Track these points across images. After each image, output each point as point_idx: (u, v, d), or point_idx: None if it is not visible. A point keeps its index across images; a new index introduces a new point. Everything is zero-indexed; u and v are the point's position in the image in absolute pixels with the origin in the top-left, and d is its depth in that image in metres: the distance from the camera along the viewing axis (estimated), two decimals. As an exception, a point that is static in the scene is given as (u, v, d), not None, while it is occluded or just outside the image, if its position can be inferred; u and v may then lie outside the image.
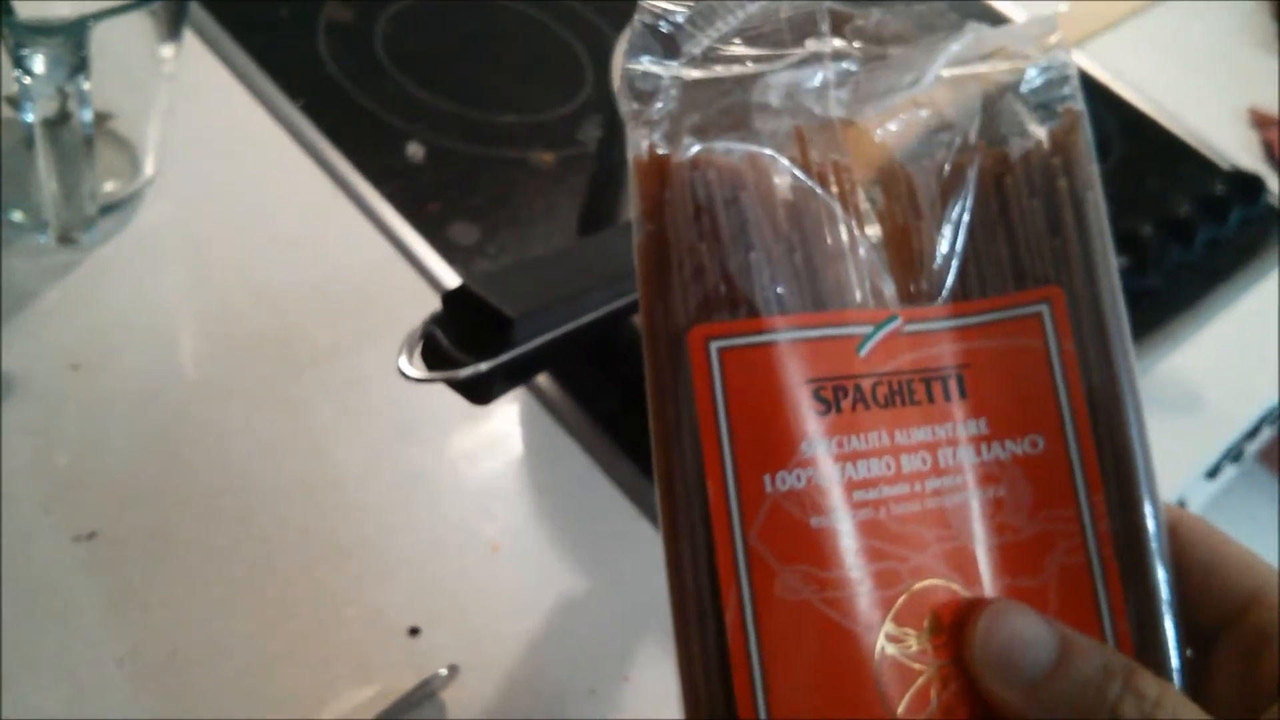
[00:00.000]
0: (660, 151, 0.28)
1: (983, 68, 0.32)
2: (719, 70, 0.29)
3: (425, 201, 0.68)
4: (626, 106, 0.28)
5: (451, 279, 0.64)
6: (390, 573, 0.51)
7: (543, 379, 0.60)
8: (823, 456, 0.27)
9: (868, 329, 0.29)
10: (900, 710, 0.27)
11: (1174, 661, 0.29)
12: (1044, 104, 0.32)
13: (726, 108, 0.29)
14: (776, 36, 0.30)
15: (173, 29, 0.58)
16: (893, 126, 0.31)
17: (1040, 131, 0.31)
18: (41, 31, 0.48)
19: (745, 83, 0.30)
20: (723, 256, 0.28)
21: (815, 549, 0.27)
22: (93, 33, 0.49)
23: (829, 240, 0.29)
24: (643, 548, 0.56)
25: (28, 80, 0.49)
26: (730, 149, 0.29)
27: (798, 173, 0.29)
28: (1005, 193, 0.31)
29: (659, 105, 0.29)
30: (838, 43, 0.31)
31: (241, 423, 0.54)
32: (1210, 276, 0.85)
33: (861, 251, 0.30)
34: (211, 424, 0.54)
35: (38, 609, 0.45)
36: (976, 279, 0.31)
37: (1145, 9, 1.07)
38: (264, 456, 0.53)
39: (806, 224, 0.29)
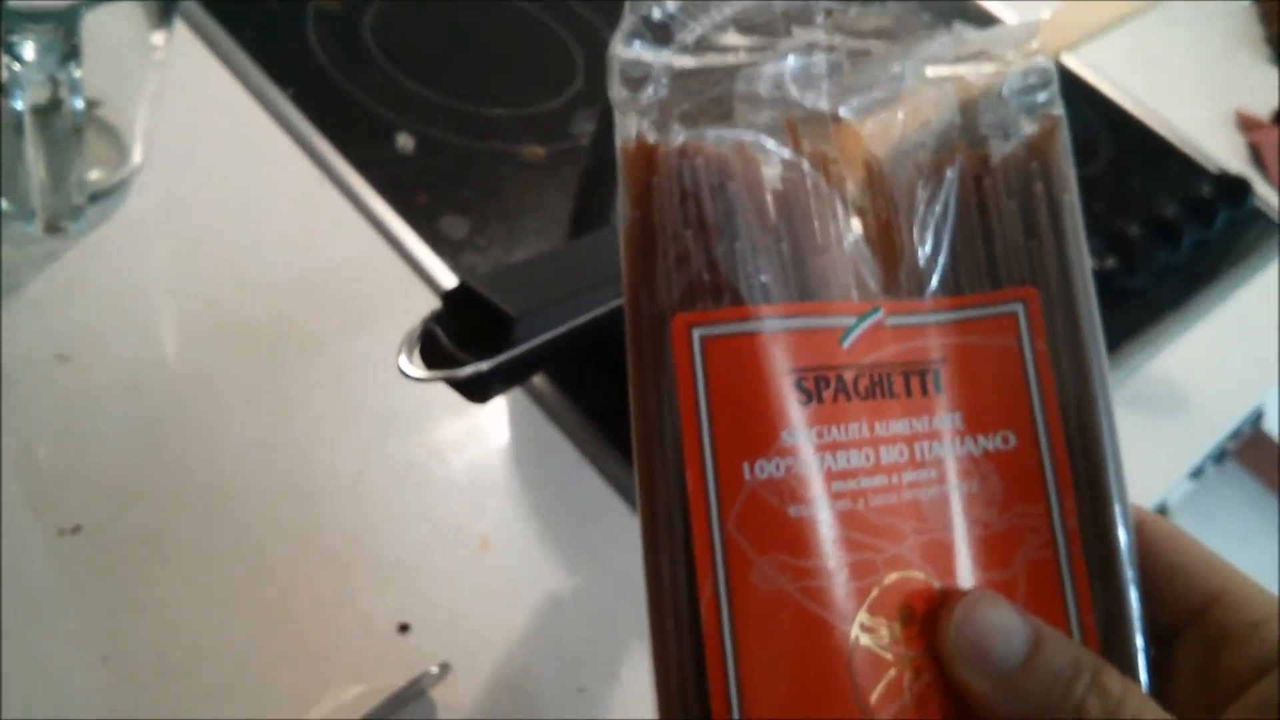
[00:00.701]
0: (649, 139, 0.28)
1: (964, 69, 0.32)
2: (710, 59, 0.30)
3: (414, 193, 0.68)
4: (616, 93, 0.29)
5: (441, 271, 0.63)
6: (378, 568, 0.50)
7: (534, 375, 0.60)
8: (803, 446, 0.28)
9: (851, 320, 0.29)
10: (872, 700, 0.27)
11: (1139, 659, 0.29)
12: (1024, 108, 0.32)
13: (717, 96, 0.29)
14: (769, 27, 0.30)
15: (163, 16, 0.57)
16: (875, 122, 0.32)
17: (1019, 135, 0.32)
18: (32, 18, 0.47)
19: (736, 72, 0.30)
20: (708, 244, 0.28)
21: (792, 538, 0.27)
22: (84, 20, 0.48)
23: (816, 231, 0.29)
24: (633, 544, 0.55)
25: (18, 67, 0.48)
26: (720, 137, 0.29)
27: (791, 159, 0.29)
28: (984, 194, 0.31)
29: (649, 92, 0.29)
30: (825, 35, 0.31)
31: (228, 414, 0.53)
32: (1196, 278, 0.85)
33: (847, 244, 0.30)
34: (198, 416, 0.53)
35: (21, 604, 0.45)
36: (955, 277, 0.31)
37: (1135, 13, 1.07)
38: (251, 449, 0.52)
39: (794, 214, 0.29)
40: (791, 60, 0.30)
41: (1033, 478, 0.30)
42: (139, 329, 0.56)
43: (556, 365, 0.60)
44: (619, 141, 0.29)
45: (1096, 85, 1.00)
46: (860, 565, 0.28)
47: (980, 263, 0.31)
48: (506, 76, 0.80)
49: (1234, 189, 0.89)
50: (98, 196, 0.59)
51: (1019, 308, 0.31)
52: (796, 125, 0.30)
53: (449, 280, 0.63)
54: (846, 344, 0.29)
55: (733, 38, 0.30)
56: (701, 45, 0.29)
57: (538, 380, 0.60)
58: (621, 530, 0.56)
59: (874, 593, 0.28)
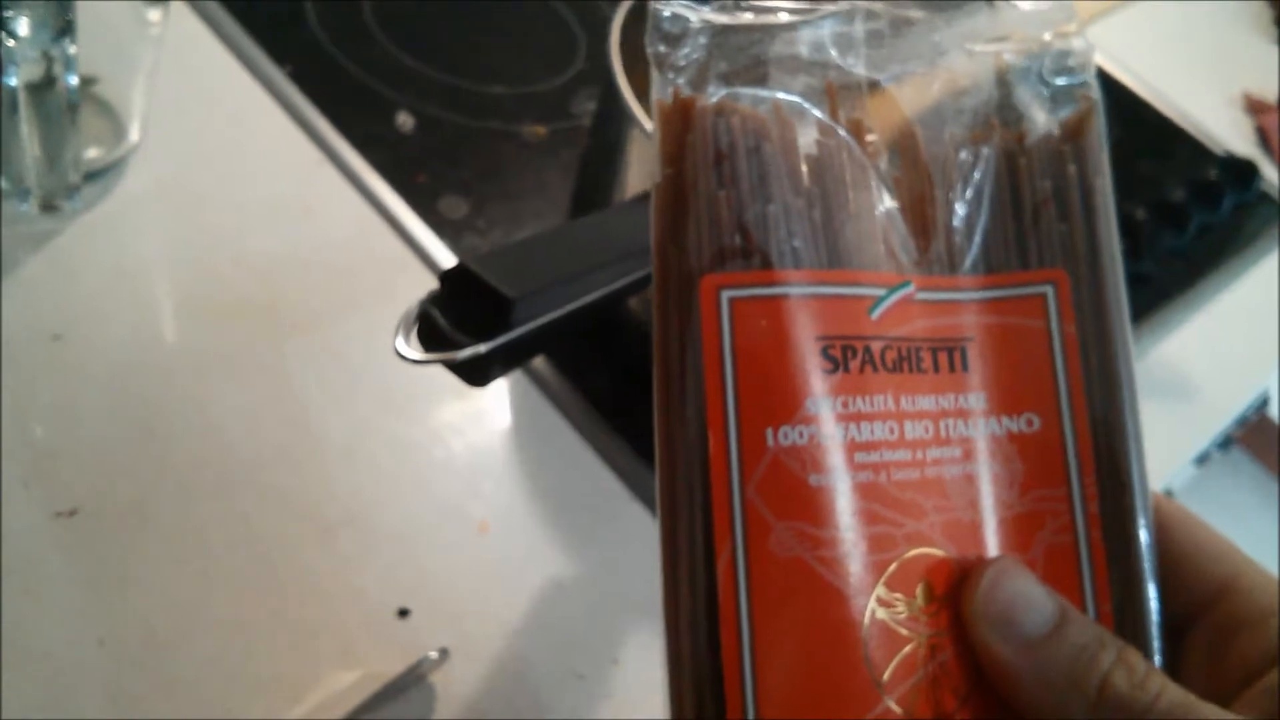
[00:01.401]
0: (685, 95, 0.28)
1: (1002, 47, 0.32)
2: (750, 18, 0.29)
3: (414, 172, 0.67)
4: (653, 48, 0.28)
5: (440, 251, 0.63)
6: (376, 552, 0.50)
7: (535, 359, 0.60)
8: (827, 415, 0.27)
9: (881, 291, 0.29)
10: (886, 675, 0.27)
11: (1155, 645, 0.29)
12: (1060, 89, 0.32)
13: (755, 57, 0.29)
14: None
15: (160, -10, 0.57)
16: (913, 92, 0.31)
17: (1054, 116, 0.31)
18: (26, -7, 0.46)
19: (775, 32, 0.29)
20: (741, 206, 0.27)
21: (812, 507, 0.27)
22: (78, -5, 0.48)
23: (850, 199, 0.29)
24: (634, 530, 0.55)
25: (11, 43, 0.47)
26: (756, 98, 0.28)
27: (827, 124, 0.29)
28: (1017, 174, 0.31)
29: (686, 50, 0.28)
30: (866, 1, 0.30)
31: (225, 395, 0.53)
32: (1203, 262, 0.85)
33: (880, 213, 0.29)
34: (194, 396, 0.52)
35: (16, 586, 0.44)
36: (985, 255, 0.31)
37: (1142, -7, 1.07)
38: (248, 430, 0.52)
39: (828, 180, 0.29)
40: (832, 24, 0.30)
41: (1055, 461, 0.30)
42: (135, 308, 0.55)
43: (557, 348, 0.59)
44: (654, 97, 0.28)
45: (1103, 67, 0.99)
46: (879, 539, 0.27)
47: (1011, 243, 0.31)
48: (508, 55, 0.79)
49: (1241, 172, 0.88)
50: (94, 174, 0.58)
51: (1049, 290, 0.30)
52: (835, 90, 0.29)
53: (448, 260, 0.62)
54: (875, 315, 0.28)
55: None
56: (741, 4, 0.29)
57: (538, 363, 0.59)
58: (621, 515, 0.55)
59: (892, 567, 0.27)
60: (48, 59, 0.48)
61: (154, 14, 0.58)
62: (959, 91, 0.31)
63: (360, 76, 0.72)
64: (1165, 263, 0.80)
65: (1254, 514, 1.66)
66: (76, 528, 0.47)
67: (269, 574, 0.48)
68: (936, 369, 0.29)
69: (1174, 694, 0.26)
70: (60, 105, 0.50)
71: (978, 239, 0.31)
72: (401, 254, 0.62)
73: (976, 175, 0.31)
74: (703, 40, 0.28)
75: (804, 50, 0.29)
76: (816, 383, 0.27)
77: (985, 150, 0.31)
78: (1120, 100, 0.97)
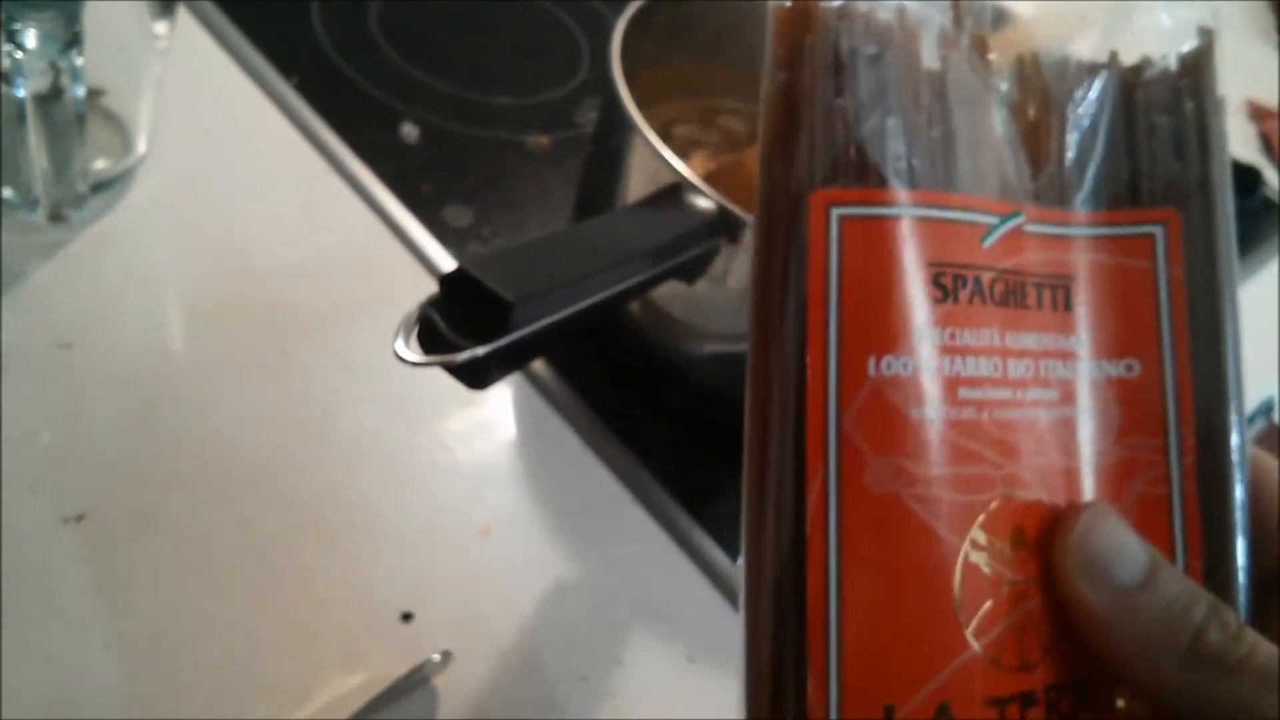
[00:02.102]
0: None
1: None
2: None
3: (418, 182, 0.68)
4: None
5: (444, 259, 0.63)
6: (379, 556, 0.50)
7: (537, 362, 0.60)
8: (931, 346, 0.26)
9: (994, 219, 0.28)
10: (975, 620, 0.26)
11: (1243, 602, 0.28)
12: (1180, 23, 0.31)
13: None
14: None
15: (165, 6, 0.57)
16: (1037, 13, 0.30)
17: (1175, 50, 0.30)
18: (34, 6, 0.47)
19: None
20: (858, 118, 0.26)
21: (911, 441, 0.26)
22: (86, 8, 0.48)
23: (969, 119, 0.28)
24: (635, 532, 0.55)
25: (20, 55, 0.48)
26: (881, 3, 0.27)
27: (951, 35, 0.28)
28: (1134, 107, 0.30)
29: None
30: None
31: (231, 404, 0.53)
32: (1205, 268, 0.84)
33: (998, 137, 0.28)
34: (201, 405, 0.53)
35: (24, 591, 0.45)
36: (1097, 190, 0.30)
37: None
38: (253, 437, 0.52)
39: (949, 97, 0.27)
40: None
41: (1153, 409, 0.29)
42: (143, 317, 0.56)
43: (557, 350, 0.60)
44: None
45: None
46: (976, 479, 0.26)
47: (1124, 179, 0.30)
48: (512, 65, 0.79)
49: (1244, 179, 0.88)
50: (102, 185, 0.59)
51: (1158, 230, 0.29)
52: (961, 3, 0.28)
53: (451, 268, 0.63)
54: (988, 244, 0.27)
55: None
56: None
57: (541, 369, 0.60)
58: (623, 518, 0.56)
59: (989, 509, 0.26)
60: (55, 70, 0.49)
61: (160, 28, 0.58)
62: (1083, 19, 0.30)
63: (365, 87, 0.73)
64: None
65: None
66: (84, 533, 0.47)
67: (274, 578, 0.48)
68: (1040, 306, 0.28)
69: (1268, 649, 0.26)
70: (67, 116, 0.51)
71: (1090, 173, 0.30)
72: (406, 263, 0.63)
73: (1093, 106, 0.30)
74: None
75: None
76: (923, 312, 0.26)
77: (1103, 81, 0.30)
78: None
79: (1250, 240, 0.89)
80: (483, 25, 0.82)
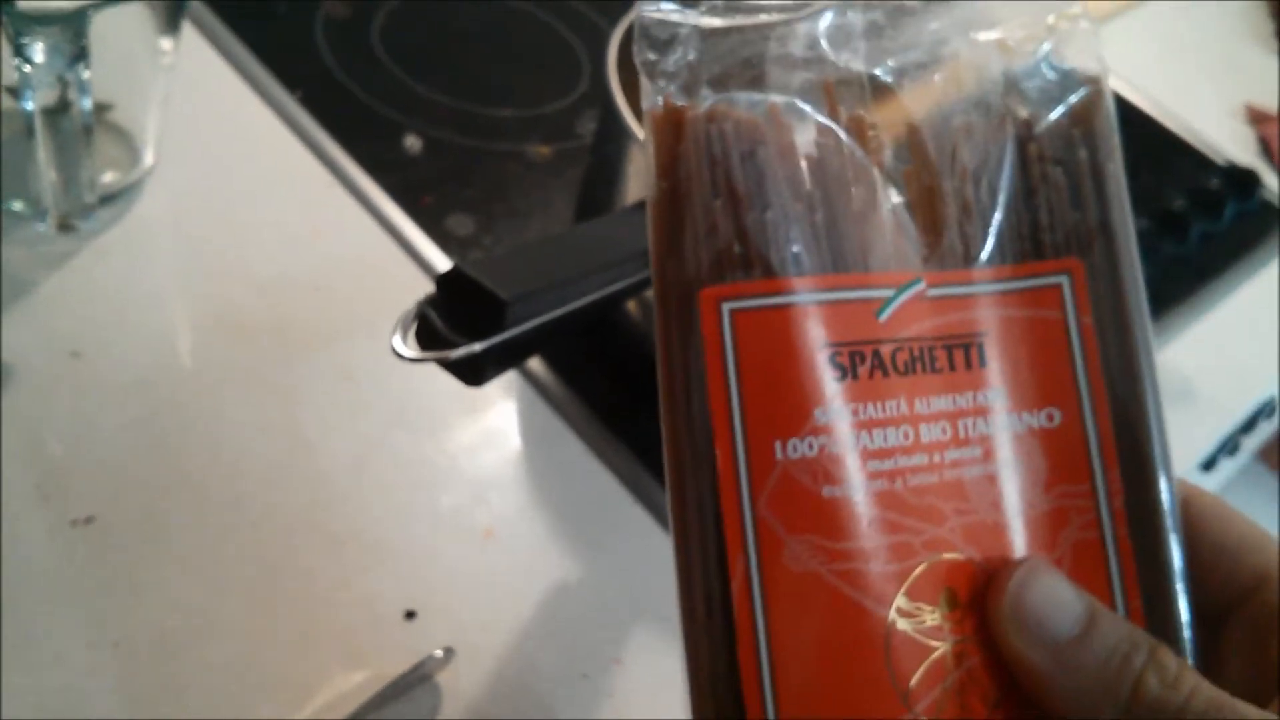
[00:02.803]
0: (676, 103, 0.27)
1: (1004, 33, 0.31)
2: (741, 19, 0.28)
3: (421, 193, 0.69)
4: (641, 57, 0.27)
5: (446, 266, 0.64)
6: (383, 559, 0.51)
7: (538, 366, 0.61)
8: (837, 424, 0.27)
9: (889, 292, 0.28)
10: (911, 685, 0.26)
11: (1186, 642, 0.29)
12: (1067, 73, 0.31)
13: (748, 58, 0.28)
14: None
15: (171, 22, 0.58)
16: (914, 85, 0.30)
17: (1062, 102, 0.31)
18: (41, 20, 0.48)
19: (768, 32, 0.28)
20: (738, 214, 0.27)
21: (826, 519, 0.26)
22: (92, 24, 0.50)
23: (853, 198, 0.28)
24: (636, 533, 0.56)
25: (28, 69, 0.49)
26: (751, 102, 0.27)
27: (828, 124, 0.28)
28: (1027, 162, 0.30)
29: (676, 55, 0.27)
30: None
31: (237, 411, 0.54)
32: (1204, 271, 0.85)
33: (886, 211, 0.29)
34: (208, 412, 0.54)
35: (33, 593, 0.46)
36: (999, 246, 0.30)
37: (1141, 3, 1.08)
38: (259, 444, 0.53)
39: (829, 181, 0.28)
40: (827, 18, 0.29)
41: (1078, 456, 0.29)
42: (151, 327, 0.57)
43: (554, 350, 0.61)
44: (645, 107, 0.27)
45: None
46: (898, 547, 0.27)
47: (1024, 233, 0.30)
48: (513, 78, 0.80)
49: (1242, 181, 0.89)
50: (110, 198, 0.60)
51: (1064, 280, 0.30)
52: (833, 89, 0.29)
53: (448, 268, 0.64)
54: (884, 317, 0.28)
55: None
56: (731, 5, 0.28)
57: (542, 372, 0.61)
58: (625, 520, 0.56)
59: (913, 576, 0.27)
60: (62, 83, 0.50)
61: (166, 43, 0.59)
62: (963, 80, 0.31)
63: (369, 101, 0.74)
64: (1166, 271, 0.81)
65: (1272, 525, 1.65)
66: (92, 536, 0.48)
67: (278, 580, 0.49)
68: (952, 367, 0.29)
69: (1207, 693, 0.26)
70: (75, 128, 0.52)
71: (991, 230, 0.30)
72: (410, 273, 0.64)
73: (985, 166, 0.30)
74: (692, 44, 0.28)
75: (798, 48, 0.29)
76: (825, 392, 0.27)
77: (993, 140, 0.30)
78: (1121, 110, 0.97)
79: (1250, 242, 0.90)
80: (484, 39, 0.83)
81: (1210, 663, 0.29)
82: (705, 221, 0.27)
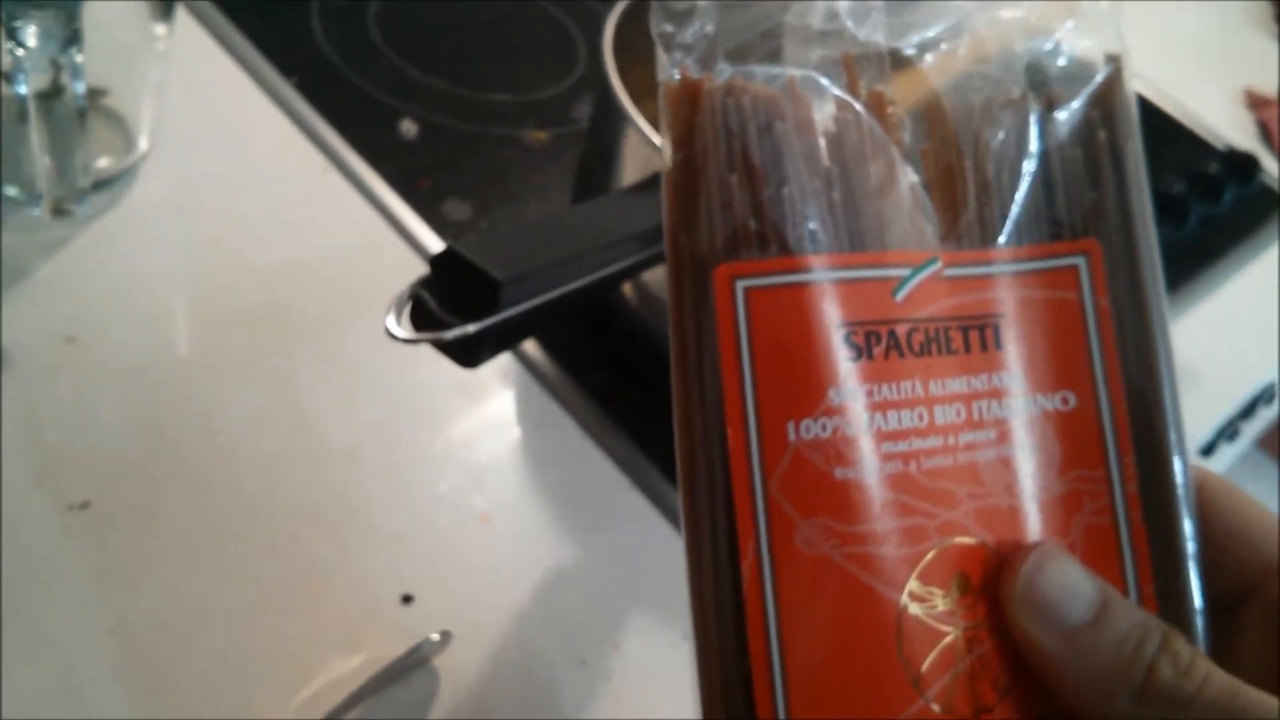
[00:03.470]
0: (693, 76, 0.26)
1: (1026, 11, 0.30)
2: None
3: (418, 178, 0.68)
4: (658, 28, 0.27)
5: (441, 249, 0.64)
6: (379, 544, 0.51)
7: (535, 351, 0.61)
8: (851, 405, 0.26)
9: (906, 271, 0.28)
10: (923, 670, 0.26)
11: (1199, 629, 0.28)
12: (1088, 54, 0.30)
13: (767, 31, 0.28)
14: None
15: (164, 7, 0.58)
16: (935, 60, 0.30)
17: (1082, 81, 0.30)
18: (34, 4, 0.48)
19: (787, 4, 0.28)
20: (754, 190, 0.26)
21: (838, 502, 0.26)
22: (85, 9, 0.49)
23: (871, 176, 0.28)
24: (633, 517, 0.56)
25: (21, 53, 0.49)
26: (770, 75, 0.27)
27: (847, 99, 0.28)
28: (1046, 142, 0.30)
29: (694, 27, 0.27)
30: None
31: (233, 395, 0.54)
32: (1203, 256, 0.85)
33: (904, 189, 0.28)
34: (204, 396, 0.54)
35: (29, 578, 0.46)
36: (1016, 227, 0.29)
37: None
38: (255, 429, 0.53)
39: (847, 157, 0.27)
40: None
41: (1092, 440, 0.28)
42: (146, 311, 0.56)
43: (550, 333, 0.60)
44: (661, 78, 0.27)
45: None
46: (911, 531, 0.26)
47: (1041, 213, 0.29)
48: (510, 63, 0.80)
49: (1242, 166, 0.89)
50: (105, 183, 0.60)
51: (1080, 261, 0.29)
52: (853, 63, 0.28)
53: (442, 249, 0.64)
54: (900, 297, 0.27)
55: None
56: None
57: (539, 358, 0.61)
58: (622, 505, 0.56)
59: (925, 560, 0.26)
60: (56, 67, 0.50)
61: (160, 29, 0.59)
62: (984, 59, 0.30)
63: (365, 86, 0.74)
64: (1166, 255, 0.80)
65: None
66: (88, 521, 0.48)
67: (275, 565, 0.49)
68: (968, 349, 0.28)
69: (1220, 681, 0.25)
70: (68, 112, 0.51)
71: (1009, 210, 0.29)
72: (406, 258, 0.64)
73: (1005, 145, 0.29)
74: (710, 17, 0.27)
75: (818, 21, 0.28)
76: (839, 372, 0.26)
77: (1013, 119, 0.30)
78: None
79: (1249, 227, 0.90)
80: (480, 24, 0.83)
81: (1222, 650, 0.28)
82: (720, 196, 0.26)
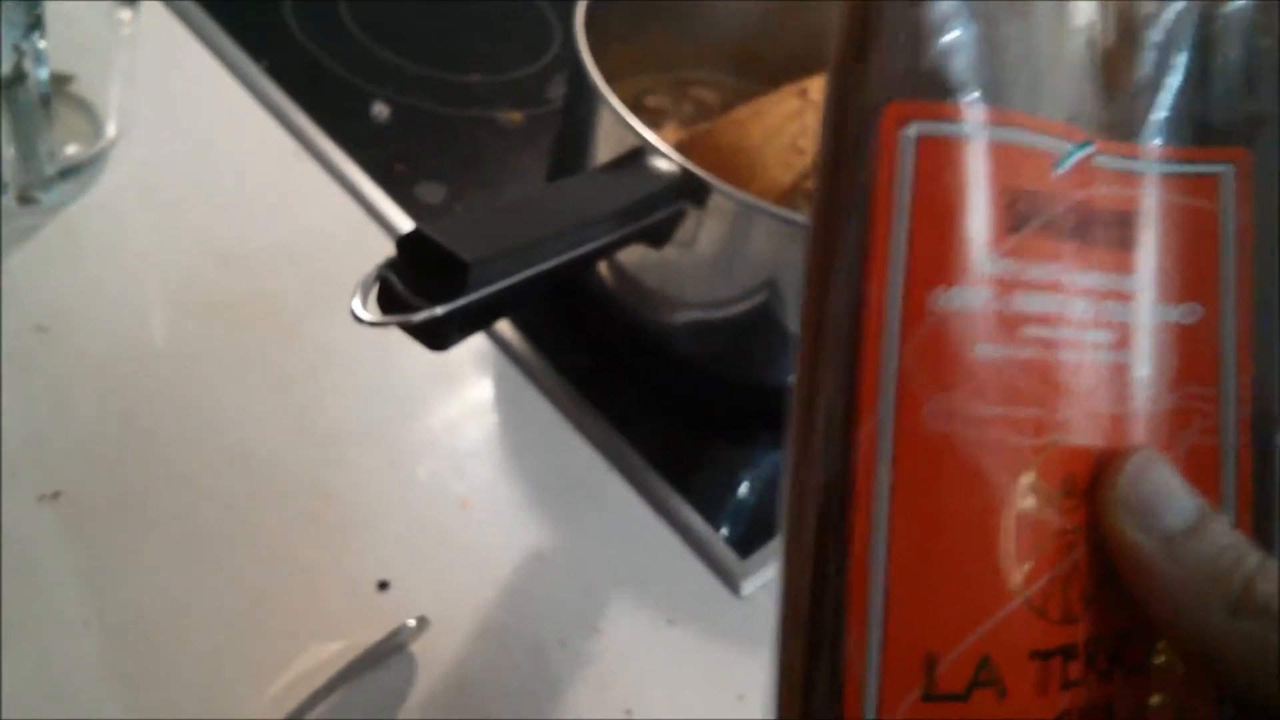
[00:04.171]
0: None
1: None
2: None
3: (392, 162, 0.68)
4: None
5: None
6: (357, 530, 0.50)
7: (512, 334, 0.60)
8: (1000, 280, 0.25)
9: (1067, 146, 0.26)
10: (1022, 571, 0.25)
11: None
12: None
13: None
14: None
15: (129, -9, 0.58)
16: None
17: None
18: (-7, -11, 0.47)
19: None
20: (937, 29, 0.24)
21: (970, 379, 0.24)
22: (47, -8, 0.49)
23: (1050, 40, 0.26)
24: (613, 502, 0.56)
25: (-20, 40, 0.48)
26: None
27: None
28: (1210, 41, 0.28)
29: None
30: None
31: (205, 381, 0.54)
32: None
33: (1077, 62, 0.27)
34: (178, 385, 0.53)
35: (2, 570, 0.45)
36: (1167, 126, 0.28)
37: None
38: (229, 416, 0.53)
39: (1034, 16, 0.26)
40: None
41: (1210, 357, 0.27)
42: (118, 299, 0.56)
43: (532, 323, 0.60)
44: None
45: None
46: (1031, 422, 0.25)
47: (1196, 115, 0.28)
48: (483, 43, 0.80)
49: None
50: (73, 170, 0.59)
51: (1228, 170, 0.28)
52: None
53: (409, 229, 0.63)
54: (1059, 173, 0.26)
55: None
56: None
57: (516, 341, 0.60)
58: (602, 488, 0.56)
59: (1042, 454, 0.25)
60: (18, 54, 0.49)
61: (125, 13, 0.58)
62: None
63: (336, 69, 0.73)
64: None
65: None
66: (61, 510, 0.47)
67: (252, 552, 0.48)
68: (1105, 244, 0.27)
69: None
70: (32, 99, 0.51)
71: (1163, 107, 0.28)
72: (380, 242, 0.63)
73: (1170, 37, 0.28)
74: None
75: None
76: (994, 242, 0.25)
77: (1182, 11, 0.28)
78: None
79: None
80: (452, 4, 0.82)
81: None
82: (903, 32, 0.24)
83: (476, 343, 0.59)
